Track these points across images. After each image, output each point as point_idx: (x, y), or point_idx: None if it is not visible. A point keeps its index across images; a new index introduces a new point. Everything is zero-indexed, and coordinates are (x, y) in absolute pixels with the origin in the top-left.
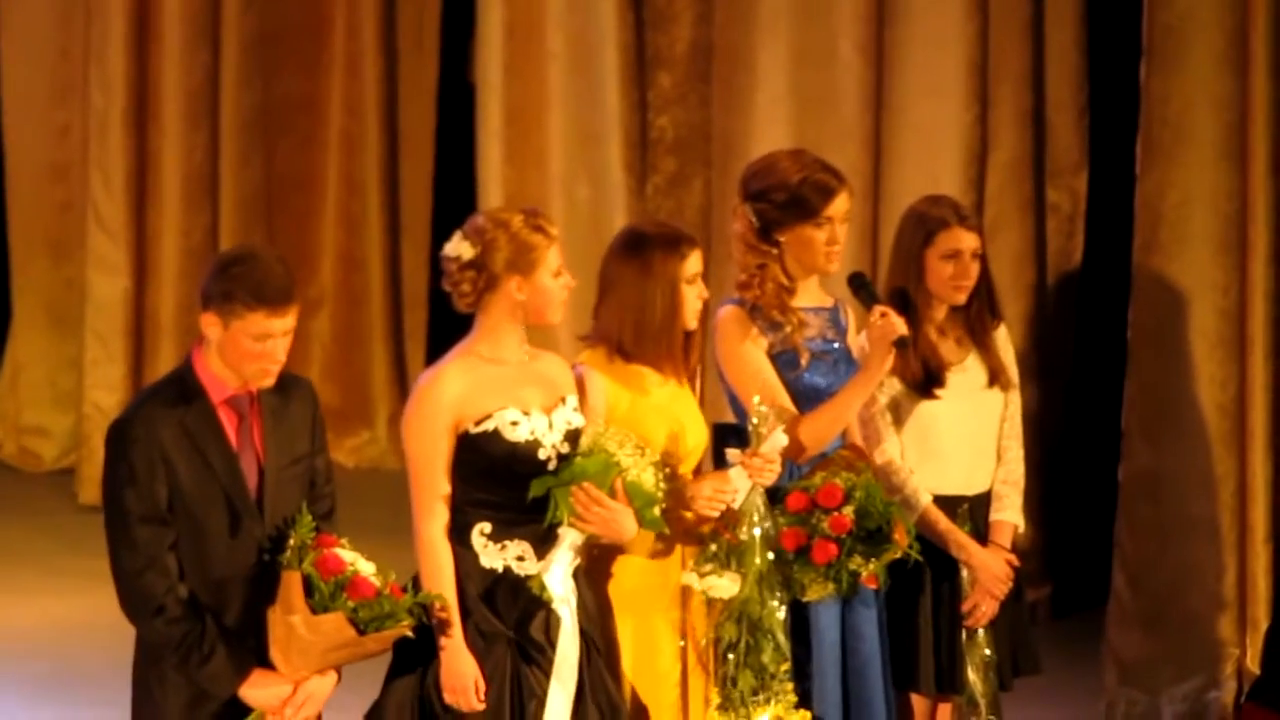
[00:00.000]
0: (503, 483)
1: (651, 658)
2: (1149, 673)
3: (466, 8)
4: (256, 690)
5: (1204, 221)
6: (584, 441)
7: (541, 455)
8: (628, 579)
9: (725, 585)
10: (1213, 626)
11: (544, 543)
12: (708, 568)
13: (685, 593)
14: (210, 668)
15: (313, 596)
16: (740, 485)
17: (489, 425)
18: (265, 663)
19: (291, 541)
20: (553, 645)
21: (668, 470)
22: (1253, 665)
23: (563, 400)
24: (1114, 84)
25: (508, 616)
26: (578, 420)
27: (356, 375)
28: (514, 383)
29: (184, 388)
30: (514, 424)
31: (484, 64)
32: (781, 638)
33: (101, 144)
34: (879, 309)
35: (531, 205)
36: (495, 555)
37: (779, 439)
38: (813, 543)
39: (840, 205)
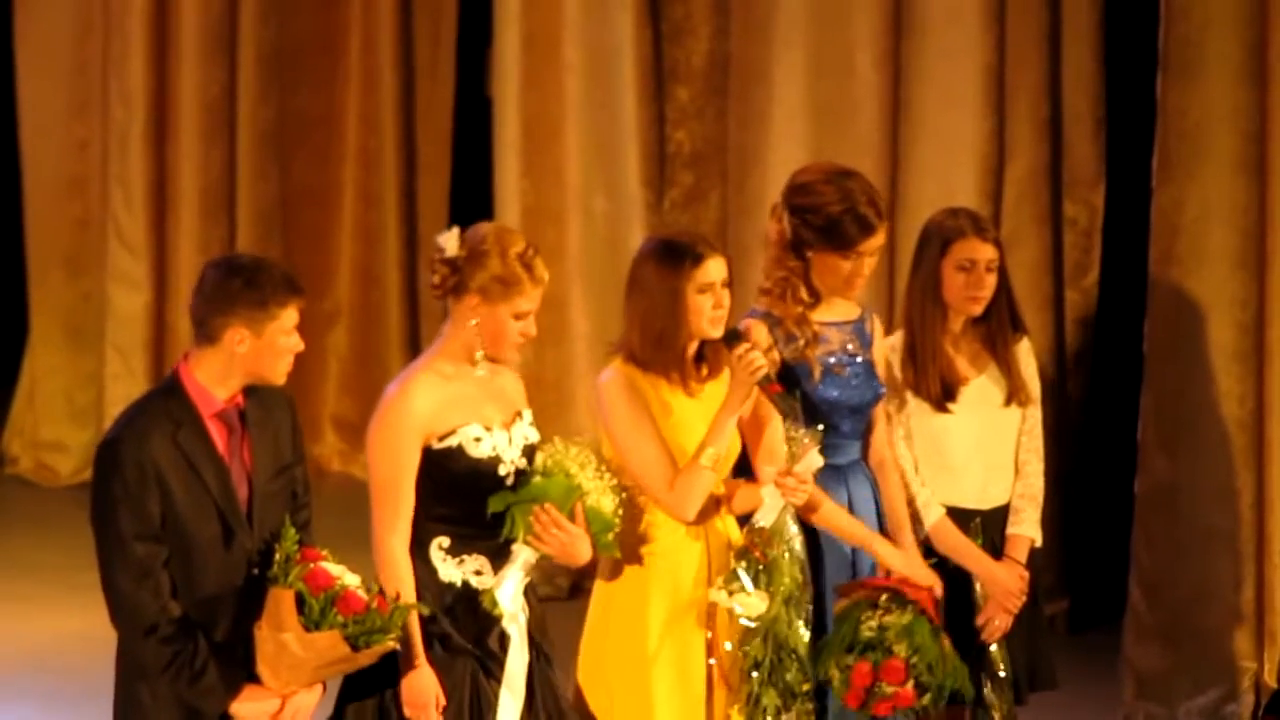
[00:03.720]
0: (463, 498)
1: (679, 675)
2: (1166, 686)
3: (483, 21)
4: (246, 705)
5: (1222, 235)
6: (541, 458)
7: (501, 471)
8: (658, 595)
9: (754, 603)
10: (1230, 640)
11: (500, 557)
12: (736, 585)
13: (713, 610)
14: (202, 685)
15: (303, 612)
16: (772, 504)
17: (453, 441)
18: (254, 677)
19: (276, 555)
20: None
21: (625, 495)
22: (1270, 679)
23: (519, 415)
24: (1132, 96)
25: (467, 630)
26: (534, 435)
27: (373, 389)
28: (476, 398)
29: (173, 403)
30: (477, 440)
31: (501, 77)
32: (806, 659)
33: (122, 159)
34: (741, 347)
35: (545, 222)
36: (453, 569)
37: (813, 460)
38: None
39: (875, 242)
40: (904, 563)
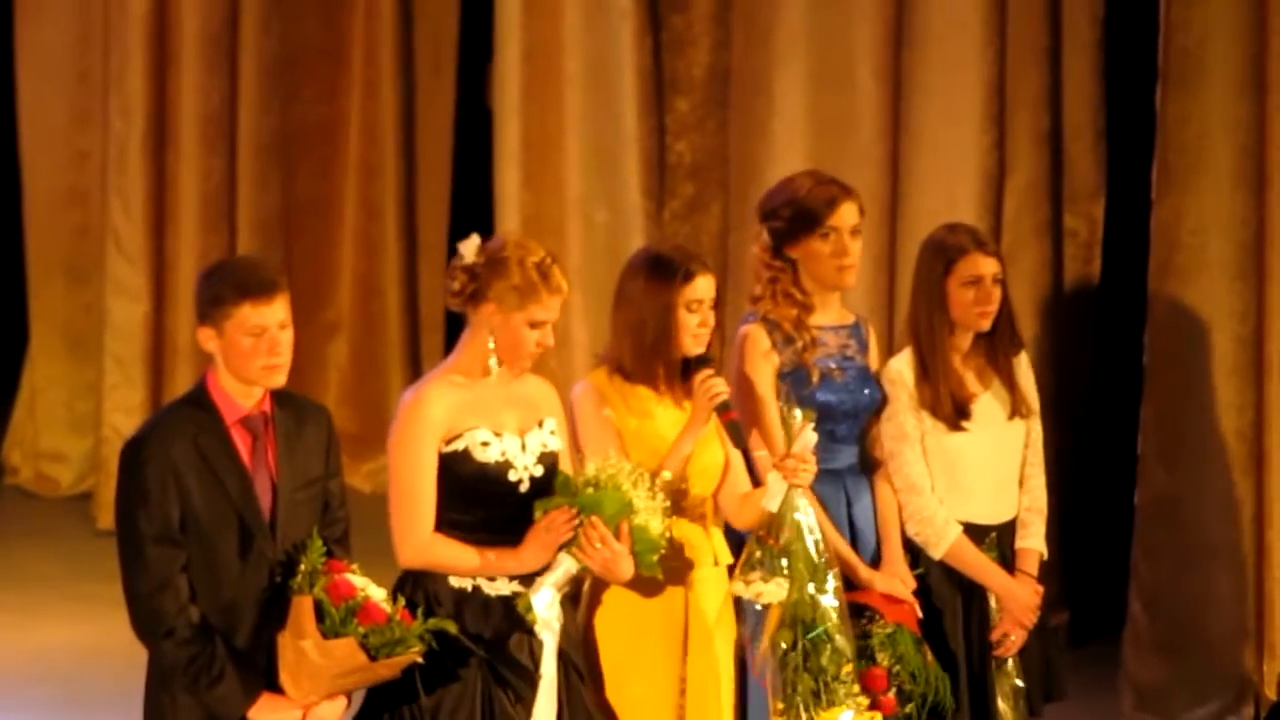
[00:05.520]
0: (473, 503)
1: (655, 682)
2: (1166, 698)
3: (484, 32)
4: (265, 714)
5: (1220, 247)
6: (593, 469)
7: (512, 477)
8: (635, 612)
9: (773, 590)
10: (1229, 652)
11: None
12: (754, 575)
13: (738, 606)
14: (219, 690)
15: (324, 621)
16: (777, 489)
17: (459, 445)
18: (275, 686)
19: (302, 566)
20: (531, 664)
21: (672, 519)
22: (1270, 691)
23: (540, 423)
24: (1131, 109)
25: (479, 636)
26: (554, 443)
27: (373, 400)
28: (491, 403)
29: (198, 408)
30: (484, 444)
31: (501, 88)
32: (840, 639)
33: (121, 169)
34: (703, 372)
35: (545, 233)
36: (461, 575)
37: (809, 437)
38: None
39: (845, 216)
40: (885, 583)
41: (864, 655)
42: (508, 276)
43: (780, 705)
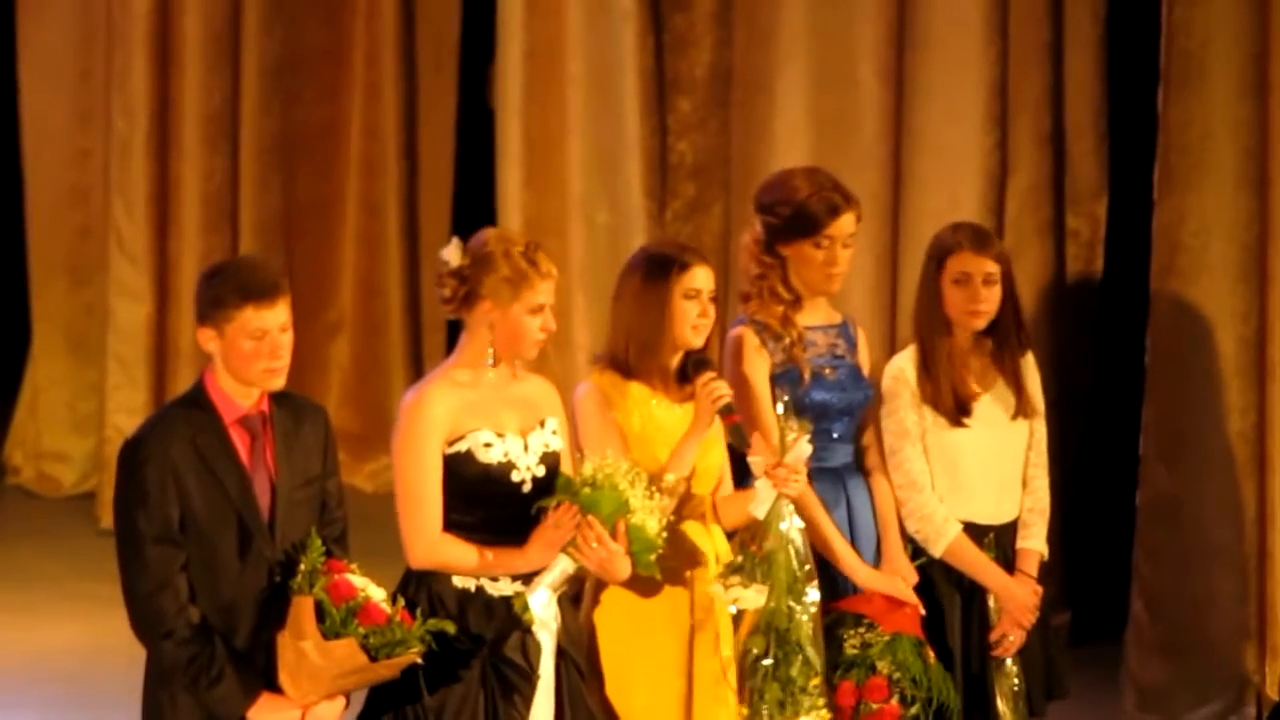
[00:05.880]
0: (477, 504)
1: (659, 680)
2: (1168, 699)
3: (486, 32)
4: (265, 714)
5: (1223, 249)
6: (590, 469)
7: (515, 478)
8: (641, 611)
9: (751, 597)
10: (1231, 652)
11: None
12: (734, 580)
13: (711, 608)
14: (219, 690)
15: (324, 622)
16: (765, 496)
17: (462, 446)
18: (274, 686)
19: (302, 566)
20: (529, 666)
21: (672, 518)
22: (1271, 692)
23: (541, 423)
24: (1134, 109)
25: (481, 636)
26: (556, 443)
27: (375, 400)
28: (492, 404)
29: (196, 408)
30: (487, 446)
31: (503, 88)
32: (811, 651)
33: (123, 169)
34: (705, 375)
35: (547, 234)
36: (468, 575)
37: (803, 448)
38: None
39: (843, 227)
40: (887, 584)
41: (863, 665)
42: (496, 270)
43: (746, 711)
